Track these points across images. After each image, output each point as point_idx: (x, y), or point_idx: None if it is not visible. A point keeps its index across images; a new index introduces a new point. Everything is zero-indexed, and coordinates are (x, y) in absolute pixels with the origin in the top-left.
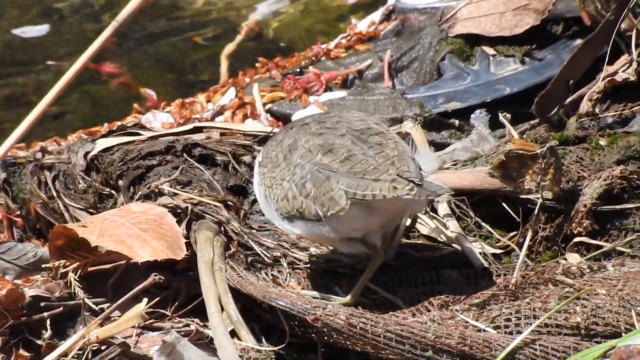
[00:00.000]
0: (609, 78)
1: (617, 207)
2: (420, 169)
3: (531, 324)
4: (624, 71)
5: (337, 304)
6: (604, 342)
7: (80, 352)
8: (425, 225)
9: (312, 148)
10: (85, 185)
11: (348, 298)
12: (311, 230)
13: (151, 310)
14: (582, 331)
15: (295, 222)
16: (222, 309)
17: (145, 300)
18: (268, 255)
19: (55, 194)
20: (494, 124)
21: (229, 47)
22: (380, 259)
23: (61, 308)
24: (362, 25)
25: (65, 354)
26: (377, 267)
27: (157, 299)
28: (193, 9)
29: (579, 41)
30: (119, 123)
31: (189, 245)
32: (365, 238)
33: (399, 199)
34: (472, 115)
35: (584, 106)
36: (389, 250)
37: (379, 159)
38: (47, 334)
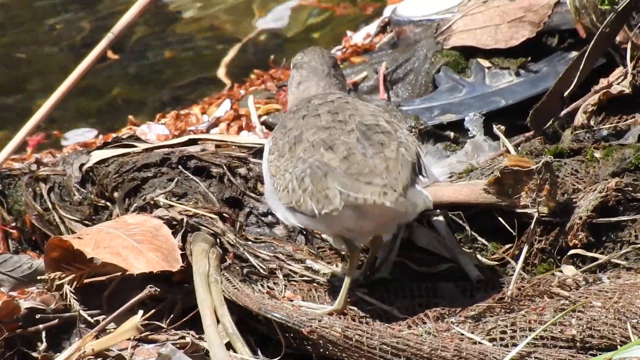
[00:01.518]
0: (604, 90)
1: (613, 219)
2: (421, 175)
3: (527, 337)
4: (619, 83)
5: (327, 312)
6: (600, 354)
7: None
8: (422, 238)
9: (315, 143)
10: (81, 197)
11: (335, 306)
12: (309, 224)
13: (147, 322)
14: (578, 344)
15: (295, 216)
16: (218, 321)
17: (140, 312)
18: (264, 267)
19: (50, 206)
20: (489, 136)
21: (226, 59)
22: (357, 258)
23: (56, 320)
24: (358, 37)
25: None
26: (355, 266)
27: (153, 311)
28: (189, 21)
29: (574, 53)
30: (114, 135)
31: (184, 257)
32: (355, 238)
33: (386, 207)
34: (466, 118)
35: (579, 118)
36: (385, 265)
37: (376, 159)
38: (42, 346)
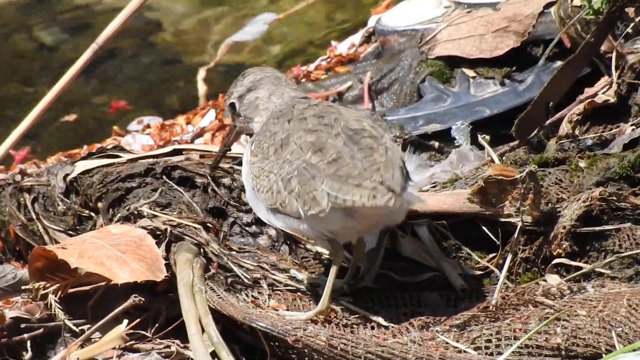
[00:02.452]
0: (589, 100)
1: (597, 228)
2: (409, 178)
3: (512, 345)
4: (603, 93)
5: (312, 315)
6: None
7: None
8: (406, 248)
9: (303, 146)
10: (65, 207)
11: (319, 307)
12: (291, 225)
13: (132, 331)
14: (563, 352)
15: (278, 215)
16: (203, 330)
17: (125, 321)
18: (248, 276)
19: (34, 216)
20: (475, 145)
21: (203, 71)
22: (341, 257)
23: (41, 329)
24: (342, 47)
25: None
26: (338, 265)
27: (138, 320)
28: (171, 32)
29: (559, 63)
30: (98, 145)
31: (168, 267)
32: (338, 239)
33: (376, 208)
34: (453, 127)
35: (564, 128)
36: (369, 274)
37: (366, 163)
38: (27, 355)
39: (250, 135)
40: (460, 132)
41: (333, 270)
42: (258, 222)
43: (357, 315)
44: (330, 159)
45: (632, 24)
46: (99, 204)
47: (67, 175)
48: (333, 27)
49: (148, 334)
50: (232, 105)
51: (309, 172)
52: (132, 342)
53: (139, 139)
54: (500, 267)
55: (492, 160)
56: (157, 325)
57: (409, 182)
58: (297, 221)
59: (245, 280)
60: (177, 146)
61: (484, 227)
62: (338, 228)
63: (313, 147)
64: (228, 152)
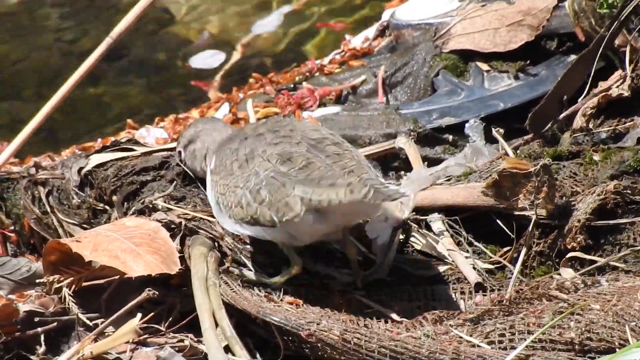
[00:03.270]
0: (603, 93)
1: (611, 222)
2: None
3: (525, 340)
4: (617, 86)
5: (265, 282)
6: (599, 357)
7: None
8: (419, 242)
9: (270, 157)
10: (79, 200)
11: (272, 280)
12: (264, 234)
13: (145, 325)
14: (576, 347)
15: (246, 229)
16: (216, 324)
17: (139, 315)
18: (260, 272)
19: (49, 209)
20: (488, 139)
21: (225, 67)
22: (297, 269)
23: (55, 323)
24: (356, 41)
25: None
26: (287, 276)
27: (151, 314)
28: (186, 27)
29: (573, 57)
30: (112, 139)
31: (182, 260)
32: (306, 241)
33: (354, 203)
34: (466, 125)
35: (578, 121)
36: (382, 267)
37: (336, 167)
38: (41, 349)
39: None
40: (474, 129)
41: (288, 272)
42: None
43: (370, 309)
44: (300, 165)
45: None
46: (114, 197)
47: (81, 168)
48: (347, 20)
49: (162, 328)
50: (179, 153)
51: (278, 180)
52: (145, 336)
53: (153, 132)
54: (514, 260)
55: (506, 154)
56: (170, 319)
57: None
58: (269, 230)
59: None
60: None
61: (498, 221)
62: (313, 230)
63: (281, 158)
64: None
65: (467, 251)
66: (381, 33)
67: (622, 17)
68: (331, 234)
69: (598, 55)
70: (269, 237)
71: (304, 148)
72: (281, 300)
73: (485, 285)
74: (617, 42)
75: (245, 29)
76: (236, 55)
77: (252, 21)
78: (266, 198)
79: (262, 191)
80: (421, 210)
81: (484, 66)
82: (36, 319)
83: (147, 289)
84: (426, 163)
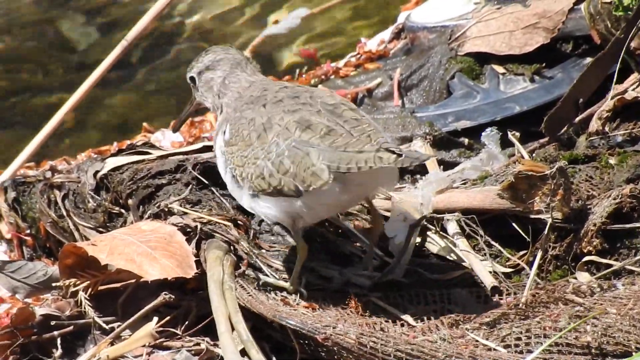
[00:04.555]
0: (619, 97)
1: (627, 226)
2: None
3: (542, 343)
4: (633, 89)
5: (280, 285)
6: None
7: None
8: (435, 244)
9: (288, 125)
10: (95, 204)
11: (284, 284)
12: (282, 207)
13: (161, 329)
14: (593, 350)
15: (265, 201)
16: (233, 328)
17: (155, 319)
18: (277, 276)
19: (65, 213)
20: (504, 143)
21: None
22: (304, 253)
23: (71, 327)
24: (372, 43)
25: None
26: (302, 261)
27: (168, 318)
28: (202, 30)
29: (588, 60)
30: (128, 142)
31: (198, 264)
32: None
33: (378, 170)
34: (482, 134)
35: (594, 125)
36: (398, 268)
37: (355, 132)
38: (57, 352)
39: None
40: (490, 138)
41: (299, 262)
42: None
43: (386, 313)
44: (322, 133)
45: None
46: (129, 201)
47: (97, 172)
48: (363, 23)
49: (178, 332)
50: (192, 79)
51: (301, 149)
52: (161, 340)
53: (169, 136)
54: (530, 264)
55: (522, 157)
56: (187, 322)
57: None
58: (289, 201)
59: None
60: (207, 143)
61: (514, 224)
62: (335, 199)
63: (300, 125)
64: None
65: (484, 254)
66: (397, 35)
67: (638, 20)
68: (347, 207)
69: (615, 58)
70: (284, 212)
71: (324, 117)
72: (297, 304)
73: (501, 288)
74: (633, 45)
75: (258, 31)
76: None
77: (265, 24)
78: (290, 168)
79: (285, 161)
80: (438, 213)
81: (500, 69)
82: (52, 323)
83: (163, 292)
84: (442, 166)
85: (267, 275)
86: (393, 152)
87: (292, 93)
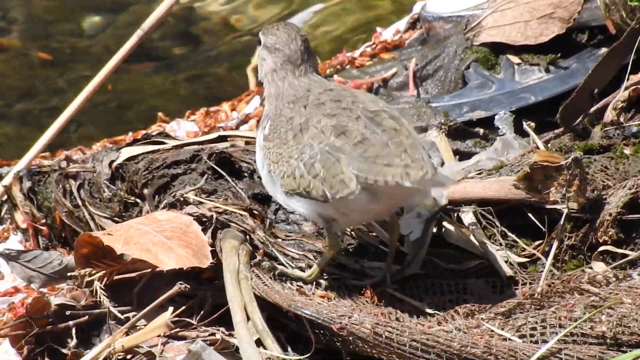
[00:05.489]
0: (634, 87)
1: None
2: (430, 158)
3: (557, 333)
4: None
5: (297, 275)
6: (630, 351)
7: None
8: (451, 235)
9: (324, 129)
10: (111, 193)
11: (306, 274)
12: (314, 209)
13: (177, 319)
14: (608, 340)
15: (298, 200)
16: (248, 318)
17: (170, 309)
18: (293, 265)
19: (80, 203)
20: (519, 133)
21: (255, 60)
22: (333, 253)
23: (87, 317)
24: (387, 33)
25: None
26: (329, 259)
27: (183, 307)
28: (217, 20)
29: (604, 50)
30: (143, 132)
31: (214, 253)
32: (356, 222)
33: (409, 185)
34: (496, 117)
35: (609, 115)
36: (415, 261)
37: (392, 145)
38: (72, 342)
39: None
40: (504, 122)
41: (324, 259)
42: None
43: (402, 303)
44: (355, 141)
45: None
46: (145, 191)
47: (112, 161)
48: (378, 14)
49: (193, 322)
50: (259, 41)
51: (333, 155)
52: (177, 330)
53: (184, 126)
54: (546, 254)
55: (537, 147)
56: (202, 312)
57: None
58: (322, 205)
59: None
60: (222, 132)
61: (529, 214)
62: (365, 210)
63: (335, 130)
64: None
65: (500, 244)
66: (412, 25)
67: None
68: (381, 216)
69: (630, 48)
70: (316, 213)
71: (362, 123)
72: (313, 293)
73: (516, 279)
74: None
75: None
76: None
77: (286, 16)
78: (320, 172)
79: (317, 165)
80: (453, 204)
81: (515, 59)
82: (68, 312)
83: (179, 282)
84: (457, 157)
85: (283, 264)
86: (423, 170)
87: (335, 96)
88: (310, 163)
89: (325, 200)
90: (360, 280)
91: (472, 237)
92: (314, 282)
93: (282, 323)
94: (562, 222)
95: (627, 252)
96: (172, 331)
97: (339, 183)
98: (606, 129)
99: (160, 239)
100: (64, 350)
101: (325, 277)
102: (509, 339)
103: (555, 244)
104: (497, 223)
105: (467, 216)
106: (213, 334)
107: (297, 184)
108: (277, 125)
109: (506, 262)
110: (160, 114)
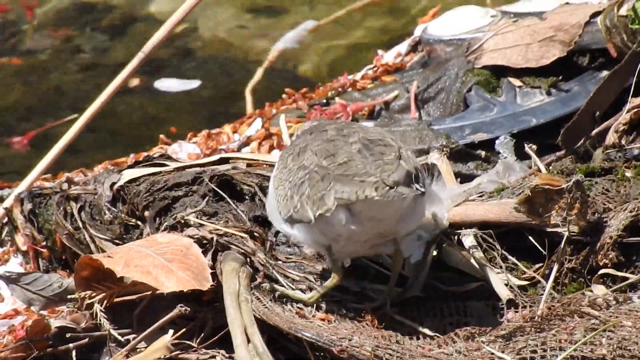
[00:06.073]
0: (635, 109)
1: None
2: (417, 183)
3: (557, 356)
4: None
5: (298, 297)
6: None
7: None
8: (452, 257)
9: (318, 152)
10: (111, 216)
11: (306, 297)
12: (308, 236)
13: (177, 341)
14: None
15: (294, 226)
16: (248, 340)
17: (171, 331)
18: (293, 287)
19: (81, 225)
20: (520, 155)
21: (253, 81)
22: (336, 281)
23: (87, 339)
24: (389, 56)
25: None
26: (330, 287)
27: (183, 330)
28: (217, 41)
29: (605, 73)
30: (145, 154)
31: (214, 276)
32: (351, 251)
33: (385, 204)
34: (496, 141)
35: (610, 137)
36: (416, 284)
37: (374, 165)
38: None
39: None
40: (505, 146)
41: (325, 287)
42: None
43: (402, 325)
44: (340, 161)
45: None
46: (146, 213)
47: (113, 183)
48: (378, 36)
49: (193, 344)
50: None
51: (319, 174)
52: (177, 352)
53: (186, 148)
54: (546, 277)
55: (539, 170)
56: (202, 334)
57: (416, 185)
58: (310, 228)
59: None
60: (224, 155)
61: (530, 237)
62: (347, 231)
63: (327, 153)
64: (275, 162)
65: (500, 267)
66: (413, 48)
67: None
68: (375, 245)
69: (631, 71)
70: (311, 241)
71: (355, 148)
72: (313, 316)
73: (516, 301)
74: None
75: (274, 43)
76: (262, 71)
77: (279, 36)
78: (306, 191)
79: (305, 184)
80: (454, 226)
81: (516, 82)
82: (68, 335)
83: (179, 305)
84: (459, 179)
85: (284, 286)
86: (386, 185)
87: (340, 127)
88: (300, 183)
89: (309, 221)
90: (361, 302)
91: (472, 260)
92: (315, 305)
93: (283, 345)
94: (562, 245)
95: (627, 275)
96: (173, 354)
97: (319, 200)
98: (608, 151)
99: (160, 261)
100: None
101: (325, 300)
102: None
103: (555, 267)
104: (498, 246)
105: (468, 239)
106: (213, 357)
107: (288, 205)
108: (285, 153)
109: (506, 285)
110: (162, 135)
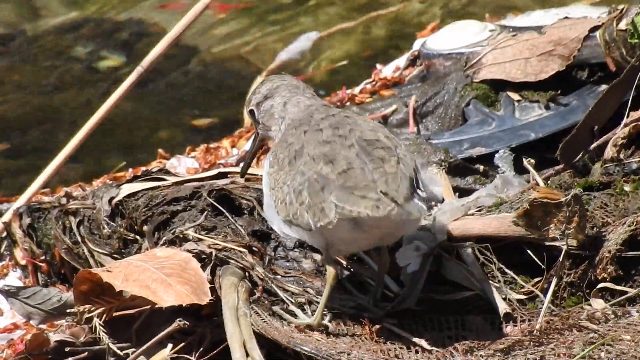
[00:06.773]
0: (634, 124)
1: None
2: (419, 189)
3: None
4: None
5: (304, 324)
6: None
7: None
8: (450, 271)
9: (315, 157)
10: (110, 230)
11: (311, 320)
12: (304, 237)
13: (176, 355)
14: None
15: (292, 227)
16: (247, 355)
17: (170, 345)
18: (292, 301)
19: (79, 239)
20: (519, 169)
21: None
22: (332, 278)
23: (86, 353)
24: (387, 70)
25: None
26: (331, 286)
27: (182, 344)
28: (216, 54)
29: (604, 87)
30: (143, 168)
31: (213, 290)
32: (351, 250)
33: (382, 218)
34: (495, 155)
35: (609, 152)
36: (411, 297)
37: (375, 174)
38: None
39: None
40: (503, 160)
41: (327, 288)
42: (302, 245)
43: (401, 339)
44: (340, 170)
45: None
46: (145, 227)
47: (112, 198)
48: (376, 49)
49: (192, 358)
50: (252, 112)
51: (319, 183)
52: None
53: (184, 162)
54: (545, 291)
55: (537, 184)
56: (201, 349)
57: (418, 193)
58: (309, 233)
59: (290, 305)
60: (222, 169)
61: (529, 251)
62: (349, 238)
63: (325, 158)
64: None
65: (499, 281)
66: (412, 62)
67: None
68: (373, 245)
69: (630, 85)
70: (309, 240)
71: (354, 152)
72: (312, 330)
73: (515, 315)
74: None
75: (274, 56)
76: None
77: (279, 48)
78: (306, 200)
79: (304, 192)
80: (453, 240)
81: (515, 96)
82: (67, 349)
83: (178, 319)
84: (457, 193)
85: (283, 300)
86: (394, 203)
87: (335, 123)
88: (298, 190)
89: (310, 229)
90: (359, 315)
91: (470, 274)
92: (322, 326)
93: (281, 359)
94: (561, 258)
95: (626, 289)
96: None
97: (320, 212)
98: (606, 165)
99: (159, 275)
100: None
101: (328, 319)
102: None
103: (554, 281)
104: (495, 260)
105: (466, 252)
106: None
107: (287, 211)
108: (278, 150)
109: (505, 299)
110: (160, 150)
